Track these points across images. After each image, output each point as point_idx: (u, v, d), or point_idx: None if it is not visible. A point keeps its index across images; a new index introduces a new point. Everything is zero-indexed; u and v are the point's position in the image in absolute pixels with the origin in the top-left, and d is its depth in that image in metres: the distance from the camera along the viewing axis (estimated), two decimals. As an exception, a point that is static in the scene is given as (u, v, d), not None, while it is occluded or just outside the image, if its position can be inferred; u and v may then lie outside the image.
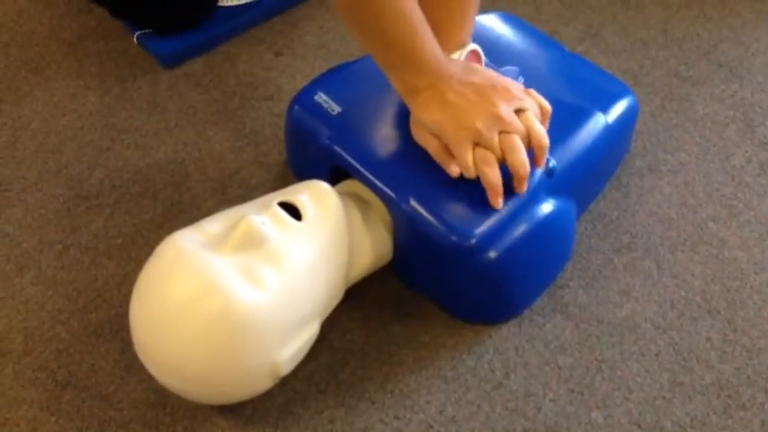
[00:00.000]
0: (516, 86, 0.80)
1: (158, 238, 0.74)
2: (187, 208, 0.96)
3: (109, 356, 0.83)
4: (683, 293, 0.88)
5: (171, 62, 1.12)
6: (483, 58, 0.88)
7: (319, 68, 0.97)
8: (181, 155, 1.01)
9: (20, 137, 1.04)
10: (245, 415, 0.79)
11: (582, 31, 1.16)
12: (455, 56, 0.84)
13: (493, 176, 0.77)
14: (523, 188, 0.78)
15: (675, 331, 0.85)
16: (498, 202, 0.78)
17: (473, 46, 0.86)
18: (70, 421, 0.78)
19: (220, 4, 1.16)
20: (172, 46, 1.12)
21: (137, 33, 1.13)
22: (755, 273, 0.89)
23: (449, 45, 0.83)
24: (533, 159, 0.79)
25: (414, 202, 0.79)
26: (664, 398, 0.80)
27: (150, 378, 0.74)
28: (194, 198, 0.97)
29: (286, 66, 1.12)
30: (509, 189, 0.78)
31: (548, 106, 0.81)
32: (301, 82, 0.94)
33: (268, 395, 0.78)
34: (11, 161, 1.01)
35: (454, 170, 0.79)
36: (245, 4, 1.17)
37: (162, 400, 0.79)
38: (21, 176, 1.00)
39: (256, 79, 1.10)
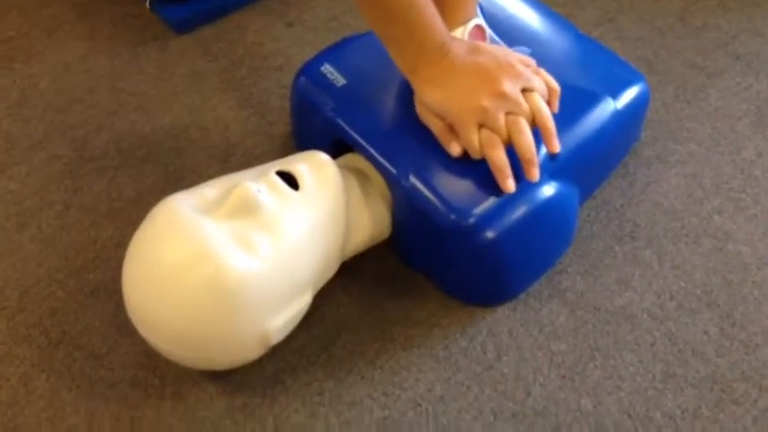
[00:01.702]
0: (522, 63, 0.78)
1: (158, 203, 0.74)
2: (189, 174, 0.95)
3: (103, 317, 0.83)
4: (683, 285, 0.87)
5: (182, 28, 1.12)
6: (488, 32, 0.86)
7: (329, 41, 0.96)
8: (186, 121, 1.01)
9: (29, 96, 1.04)
10: (233, 382, 0.79)
11: (598, 17, 1.14)
12: (458, 31, 0.83)
13: (499, 159, 0.75)
14: (534, 173, 0.76)
15: (672, 323, 0.84)
16: (508, 184, 0.76)
17: (477, 20, 0.84)
18: (61, 379, 0.79)
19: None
20: (183, 12, 1.12)
21: (149, -2, 1.13)
22: (758, 268, 0.88)
23: (452, 21, 0.82)
24: (539, 140, 0.77)
25: (413, 179, 0.78)
26: (655, 389, 0.79)
27: (142, 341, 0.74)
28: (197, 165, 0.97)
29: (296, 37, 1.11)
30: (514, 171, 0.77)
31: (556, 85, 0.79)
32: (311, 54, 0.93)
33: (258, 364, 0.78)
34: (18, 119, 1.02)
35: (455, 150, 0.78)
36: (259, -26, 1.16)
37: (152, 363, 0.80)
38: (27, 135, 1.00)
39: (266, 49, 1.10)
